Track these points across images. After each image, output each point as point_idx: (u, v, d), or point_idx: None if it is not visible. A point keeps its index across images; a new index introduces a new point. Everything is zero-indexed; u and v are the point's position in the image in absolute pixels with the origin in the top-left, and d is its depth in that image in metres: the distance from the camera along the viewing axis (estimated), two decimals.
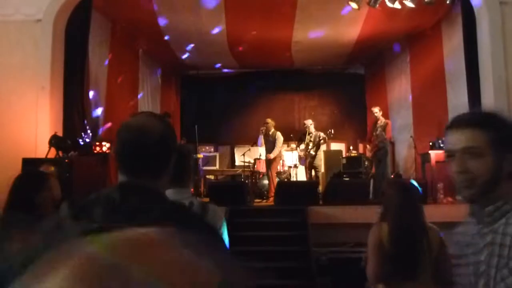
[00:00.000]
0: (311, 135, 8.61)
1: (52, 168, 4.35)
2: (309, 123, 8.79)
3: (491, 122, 1.21)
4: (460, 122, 1.23)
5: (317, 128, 8.83)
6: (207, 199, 6.11)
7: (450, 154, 1.23)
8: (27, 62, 6.52)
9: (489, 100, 6.34)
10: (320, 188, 7.96)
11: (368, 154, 8.68)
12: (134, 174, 1.14)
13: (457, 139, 1.20)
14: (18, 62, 6.51)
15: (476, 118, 1.26)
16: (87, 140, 6.82)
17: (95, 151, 6.79)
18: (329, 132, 8.44)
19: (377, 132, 8.00)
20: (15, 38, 6.60)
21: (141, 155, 1.14)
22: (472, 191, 1.17)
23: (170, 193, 2.22)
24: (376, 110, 8.20)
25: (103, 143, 6.95)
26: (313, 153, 8.43)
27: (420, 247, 2.30)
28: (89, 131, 6.93)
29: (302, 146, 8.70)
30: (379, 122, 8.09)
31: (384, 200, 2.55)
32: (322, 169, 8.77)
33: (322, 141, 8.42)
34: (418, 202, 2.48)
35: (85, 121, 7.01)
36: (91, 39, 7.25)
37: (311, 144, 8.53)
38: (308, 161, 8.51)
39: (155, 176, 1.16)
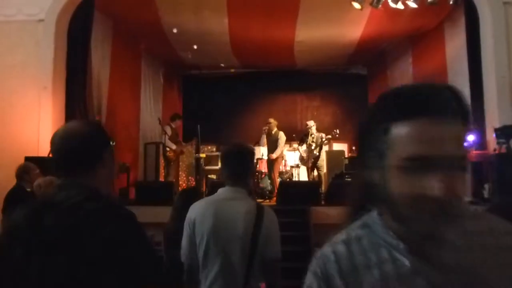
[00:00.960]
0: (313, 136, 8.59)
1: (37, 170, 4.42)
2: (311, 124, 8.77)
3: (468, 110, 0.82)
4: (442, 106, 0.78)
5: (319, 129, 8.83)
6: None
7: (424, 161, 0.75)
8: (29, 62, 6.53)
9: (492, 101, 6.32)
10: (323, 188, 7.95)
11: None
12: (65, 175, 1.28)
13: (441, 138, 0.76)
14: (20, 62, 6.52)
15: (459, 102, 0.82)
16: None
17: None
18: (334, 132, 8.42)
19: None
20: (17, 38, 6.61)
21: (67, 157, 1.29)
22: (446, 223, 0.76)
23: (224, 191, 2.17)
24: None
25: None
26: (317, 154, 8.43)
27: None
28: None
29: (304, 147, 8.68)
30: None
31: None
32: (325, 170, 8.76)
33: (325, 141, 8.41)
34: None
35: (87, 120, 7.01)
36: (93, 38, 7.25)
37: (313, 145, 8.52)
38: (312, 162, 8.49)
39: (84, 173, 1.28)
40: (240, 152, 2.23)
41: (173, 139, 8.40)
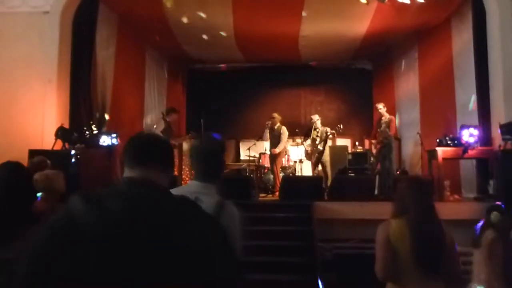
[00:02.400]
0: (317, 130, 8.56)
1: (48, 161, 4.36)
2: (316, 118, 8.74)
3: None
4: None
5: (323, 124, 8.80)
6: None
7: None
8: (34, 55, 6.53)
9: (498, 97, 6.28)
10: (328, 183, 7.95)
11: (373, 150, 8.64)
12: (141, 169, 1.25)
13: None
14: (25, 54, 6.52)
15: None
16: (94, 132, 6.84)
17: (101, 144, 6.82)
18: (338, 127, 8.39)
19: (381, 128, 7.96)
20: (22, 30, 6.61)
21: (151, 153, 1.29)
22: None
23: (194, 186, 2.14)
24: (381, 106, 8.14)
25: (109, 136, 6.97)
26: (321, 148, 8.40)
27: (441, 240, 2.31)
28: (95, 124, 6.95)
29: (308, 142, 8.66)
30: (383, 118, 8.04)
31: (397, 196, 2.53)
32: (329, 165, 8.70)
33: (330, 136, 8.37)
34: (431, 195, 2.47)
35: (92, 114, 7.02)
36: (98, 32, 7.24)
37: (318, 140, 8.50)
38: (316, 157, 8.47)
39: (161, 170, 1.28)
40: (210, 148, 2.20)
41: (166, 133, 8.31)
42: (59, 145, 6.12)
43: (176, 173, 9.38)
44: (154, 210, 1.06)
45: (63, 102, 6.63)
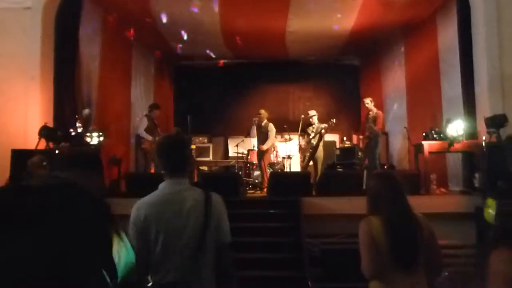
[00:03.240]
0: (313, 126, 8.57)
1: (44, 162, 4.28)
2: (313, 113, 8.73)
3: None
4: None
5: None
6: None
7: None
8: (16, 51, 6.41)
9: (483, 90, 6.33)
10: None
11: (361, 145, 8.68)
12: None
13: None
14: (6, 51, 6.39)
15: None
16: (79, 131, 6.74)
17: (87, 142, 6.71)
18: (331, 121, 8.40)
19: (368, 123, 7.99)
20: (3, 26, 6.48)
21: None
22: None
23: (166, 185, 2.17)
24: (368, 101, 8.17)
25: (95, 134, 6.87)
26: (314, 143, 8.40)
27: (417, 237, 2.30)
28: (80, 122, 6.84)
29: (306, 138, 8.63)
30: (370, 113, 8.07)
31: (370, 193, 2.50)
32: (321, 161, 8.65)
33: (323, 131, 8.37)
34: (404, 191, 2.44)
35: (76, 113, 6.92)
36: (82, 27, 7.13)
37: (311, 135, 8.50)
38: (310, 153, 8.46)
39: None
40: (174, 143, 2.23)
41: (150, 130, 8.22)
42: (43, 145, 6.01)
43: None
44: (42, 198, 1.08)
45: (46, 99, 6.51)
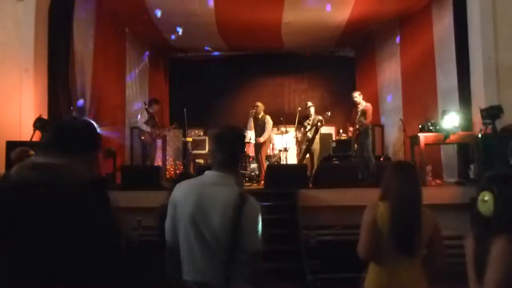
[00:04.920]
0: (310, 118, 8.57)
1: (32, 152, 4.22)
2: (309, 105, 8.73)
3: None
4: None
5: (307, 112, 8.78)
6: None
7: None
8: (9, 43, 6.35)
9: (478, 82, 6.34)
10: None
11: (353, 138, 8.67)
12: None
13: None
14: None
15: None
16: None
17: None
18: (326, 114, 8.40)
19: (358, 117, 8.00)
20: None
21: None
22: None
23: (211, 175, 2.08)
24: (356, 95, 8.15)
25: None
26: (310, 136, 8.39)
27: (415, 226, 2.34)
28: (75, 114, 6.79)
29: (302, 130, 8.63)
30: (359, 106, 8.07)
31: (383, 180, 2.54)
32: (318, 153, 8.66)
33: (319, 124, 8.37)
34: (418, 183, 2.48)
35: (71, 104, 6.87)
36: (75, 19, 7.06)
37: (308, 127, 8.50)
38: (306, 145, 8.46)
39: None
40: (232, 136, 2.14)
41: (150, 123, 8.23)
42: (37, 136, 5.97)
43: (160, 164, 9.30)
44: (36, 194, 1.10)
45: (40, 91, 6.46)
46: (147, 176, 6.45)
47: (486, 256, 1.66)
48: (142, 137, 8.19)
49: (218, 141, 2.13)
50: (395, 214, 2.36)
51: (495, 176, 1.82)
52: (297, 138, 8.79)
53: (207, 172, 2.13)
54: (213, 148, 2.16)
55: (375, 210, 2.41)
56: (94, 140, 1.50)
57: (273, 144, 9.25)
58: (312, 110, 8.65)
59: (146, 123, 8.20)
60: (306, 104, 8.85)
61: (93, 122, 1.57)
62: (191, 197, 2.02)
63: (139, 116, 8.55)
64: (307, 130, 8.51)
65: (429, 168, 6.66)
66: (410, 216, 2.35)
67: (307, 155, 8.60)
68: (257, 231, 2.06)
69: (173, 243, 2.06)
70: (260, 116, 8.60)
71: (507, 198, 1.67)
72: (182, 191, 2.08)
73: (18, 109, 6.24)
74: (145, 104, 8.49)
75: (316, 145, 8.53)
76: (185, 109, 8.50)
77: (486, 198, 1.73)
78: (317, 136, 8.53)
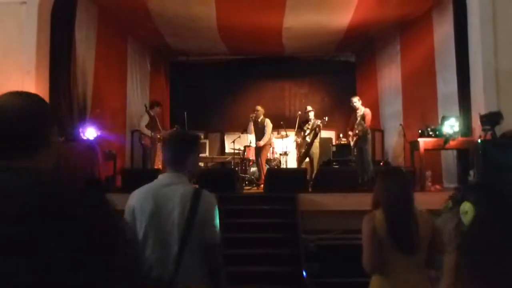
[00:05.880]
0: (309, 123, 8.59)
1: None
2: (309, 109, 8.76)
3: None
4: None
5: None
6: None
7: None
8: (12, 46, 6.37)
9: (478, 88, 6.36)
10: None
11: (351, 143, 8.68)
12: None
13: None
14: (2, 45, 6.35)
15: None
16: (75, 125, 6.72)
17: (83, 137, 6.71)
18: (323, 119, 8.42)
19: (357, 122, 8.02)
20: None
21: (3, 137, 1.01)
22: None
23: (163, 177, 2.23)
24: (355, 100, 8.16)
25: (91, 129, 6.87)
26: (309, 140, 8.41)
27: (410, 224, 2.36)
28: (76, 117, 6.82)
29: (302, 134, 8.65)
30: (358, 111, 8.08)
31: (376, 187, 2.55)
32: (317, 157, 8.67)
33: (317, 128, 8.39)
34: (410, 188, 2.49)
35: (72, 107, 6.89)
36: (77, 23, 7.09)
37: (307, 131, 8.52)
38: (305, 149, 8.48)
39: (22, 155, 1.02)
40: (178, 139, 2.33)
41: (151, 126, 8.24)
42: None
43: (160, 167, 9.31)
44: None
45: (42, 94, 6.42)
46: (147, 179, 6.44)
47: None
48: (143, 142, 8.20)
49: (166, 143, 2.33)
50: (388, 217, 2.38)
51: (474, 186, 1.76)
52: (297, 142, 8.81)
53: (160, 176, 2.27)
54: (164, 150, 2.36)
55: (373, 220, 2.41)
56: (36, 130, 1.07)
57: (273, 148, 9.27)
58: (312, 114, 8.68)
59: (147, 126, 8.22)
60: (306, 108, 8.88)
61: (42, 99, 1.14)
62: (149, 200, 2.12)
63: (141, 123, 8.48)
64: (306, 134, 8.53)
65: (429, 173, 6.67)
66: (404, 216, 2.37)
67: (307, 159, 8.61)
68: (214, 225, 2.13)
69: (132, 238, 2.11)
70: (260, 120, 8.63)
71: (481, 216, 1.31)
72: (137, 197, 2.18)
73: None
74: (146, 107, 8.51)
75: (316, 149, 8.55)
76: (185, 113, 8.53)
77: (466, 209, 1.60)
78: (317, 141, 8.54)
